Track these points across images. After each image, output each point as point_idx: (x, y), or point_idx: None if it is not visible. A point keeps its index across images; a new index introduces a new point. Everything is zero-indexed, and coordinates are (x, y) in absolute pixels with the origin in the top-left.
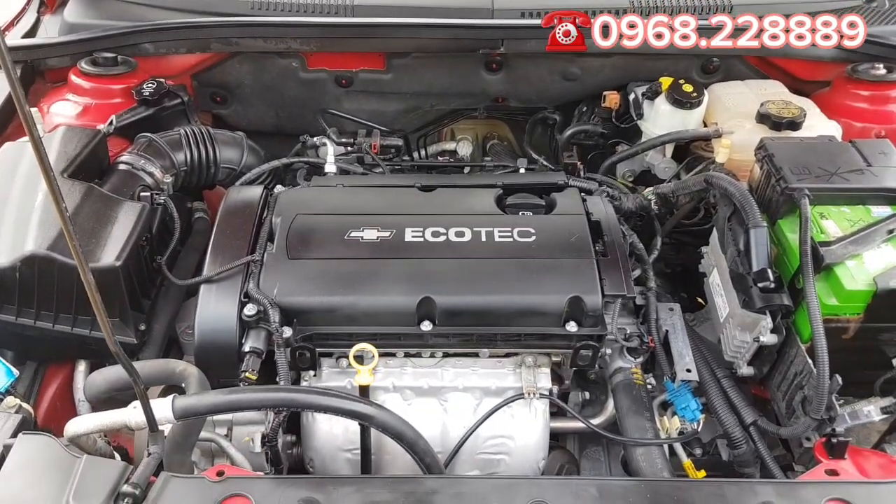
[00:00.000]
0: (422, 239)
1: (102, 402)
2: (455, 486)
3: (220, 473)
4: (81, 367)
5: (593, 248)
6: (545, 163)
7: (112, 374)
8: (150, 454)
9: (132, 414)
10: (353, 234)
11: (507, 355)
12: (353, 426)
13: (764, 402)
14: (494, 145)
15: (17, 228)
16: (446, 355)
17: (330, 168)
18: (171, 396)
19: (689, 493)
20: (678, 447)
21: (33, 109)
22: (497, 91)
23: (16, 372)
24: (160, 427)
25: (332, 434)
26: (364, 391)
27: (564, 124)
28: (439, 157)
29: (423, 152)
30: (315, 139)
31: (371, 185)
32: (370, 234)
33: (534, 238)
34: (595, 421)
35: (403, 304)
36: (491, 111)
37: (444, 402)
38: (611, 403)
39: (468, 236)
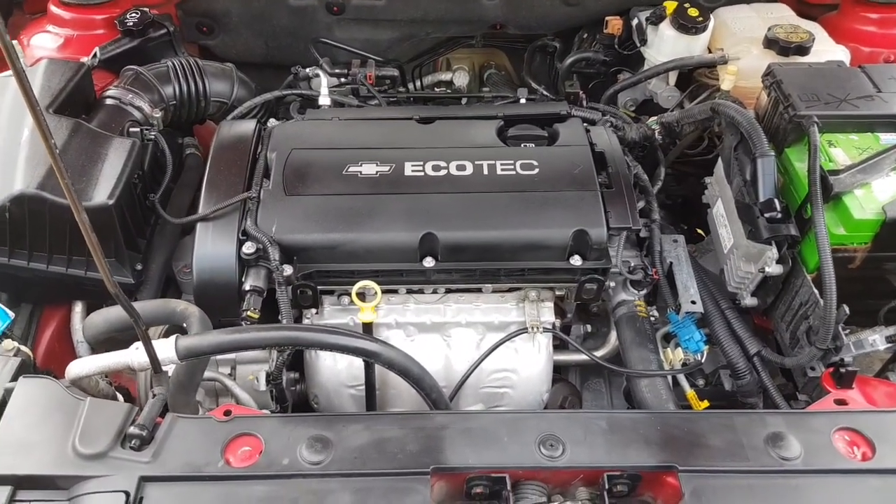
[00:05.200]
0: (422, 173)
1: (102, 342)
2: (465, 421)
3: (226, 413)
4: (78, 308)
5: (597, 180)
6: (545, 92)
7: (112, 314)
8: (154, 395)
9: (135, 355)
10: (351, 168)
11: (510, 290)
12: (357, 362)
13: (765, 333)
14: (492, 75)
15: (3, 167)
16: (448, 291)
17: (324, 100)
18: (173, 337)
19: (698, 424)
20: (681, 378)
21: (13, 42)
22: (495, 17)
23: (11, 314)
24: (164, 368)
25: (336, 370)
26: (367, 328)
27: (564, 52)
28: (436, 89)
29: (418, 83)
30: (308, 70)
31: (368, 118)
32: (369, 169)
33: (537, 171)
34: (598, 353)
35: (405, 240)
36: (488, 39)
37: (447, 338)
38: (613, 336)
39: (469, 170)
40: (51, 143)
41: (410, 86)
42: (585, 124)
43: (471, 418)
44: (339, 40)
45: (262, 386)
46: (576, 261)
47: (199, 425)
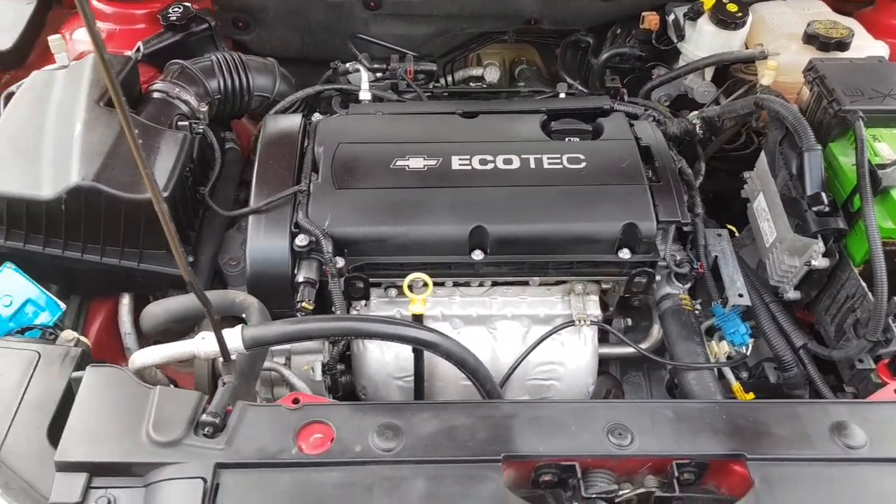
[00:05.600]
0: (469, 167)
1: (159, 333)
2: (532, 410)
3: (295, 401)
4: (126, 300)
5: (644, 173)
6: (581, 87)
7: (172, 305)
8: (224, 383)
9: (201, 344)
10: (398, 162)
11: (557, 283)
12: (405, 354)
13: (807, 326)
14: (524, 70)
15: (57, 160)
16: (495, 284)
17: (364, 95)
18: (239, 326)
19: (762, 413)
20: (727, 371)
21: (56, 36)
22: (531, 13)
23: (62, 306)
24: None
25: (384, 362)
26: (418, 320)
27: (597, 48)
28: (471, 83)
29: (449, 79)
30: (348, 65)
31: (411, 112)
32: (416, 163)
33: (584, 164)
34: (641, 347)
35: (455, 233)
36: (520, 35)
37: (492, 330)
38: (655, 329)
39: (516, 163)
40: (135, 139)
41: (441, 81)
42: (627, 119)
43: (538, 407)
44: (375, 36)
45: (318, 376)
46: (624, 254)
47: (270, 413)
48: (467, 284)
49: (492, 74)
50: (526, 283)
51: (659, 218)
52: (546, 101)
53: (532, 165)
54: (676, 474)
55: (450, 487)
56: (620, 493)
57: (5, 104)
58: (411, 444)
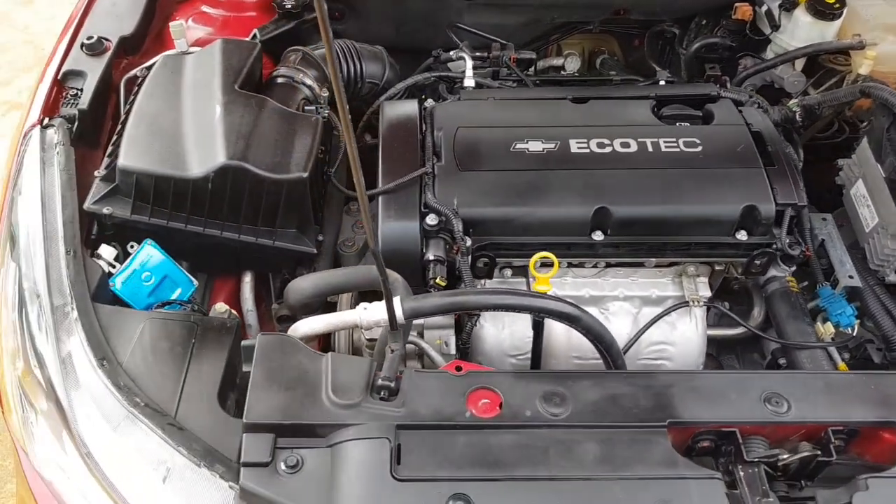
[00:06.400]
0: (588, 150)
1: (300, 308)
2: (690, 380)
3: (458, 368)
4: (248, 278)
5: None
6: (670, 76)
7: (319, 279)
8: (392, 350)
9: (364, 314)
10: (517, 146)
11: (671, 265)
12: (520, 332)
13: None
14: (606, 60)
15: (201, 141)
16: (608, 266)
17: (469, 82)
18: (397, 298)
19: None
20: (833, 351)
21: (178, 22)
22: (621, 2)
23: (195, 282)
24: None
25: (500, 339)
26: None
27: (682, 38)
28: (552, 73)
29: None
30: (451, 53)
31: (522, 98)
32: (535, 146)
33: (700, 148)
34: (741, 329)
35: (578, 214)
36: (605, 24)
37: (604, 311)
38: (756, 311)
39: (634, 147)
40: (350, 131)
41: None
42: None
43: (696, 377)
44: (469, 25)
45: (452, 349)
46: (742, 236)
47: (439, 378)
48: (580, 265)
49: (572, 64)
50: (639, 265)
51: (777, 200)
52: (650, 87)
53: (649, 149)
54: (833, 440)
55: (622, 451)
56: (782, 457)
57: (126, 88)
58: (578, 409)
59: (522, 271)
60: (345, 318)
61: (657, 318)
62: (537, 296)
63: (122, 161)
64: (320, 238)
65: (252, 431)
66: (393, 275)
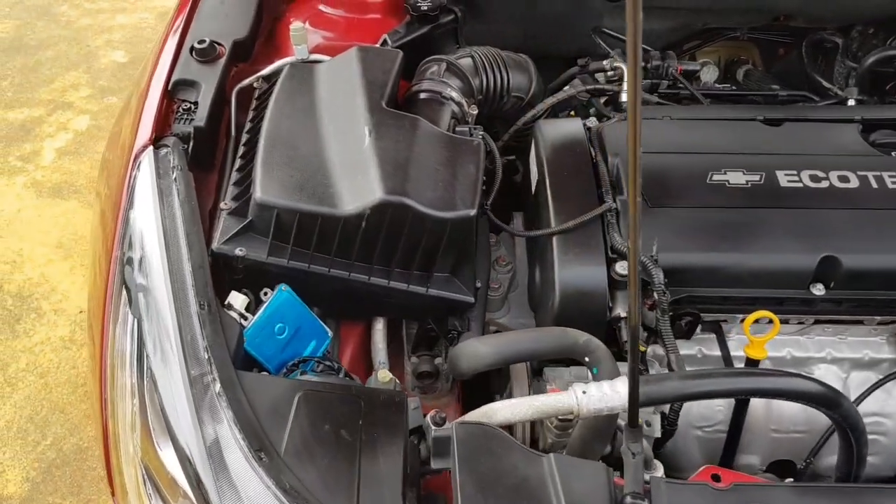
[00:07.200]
0: (800, 184)
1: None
2: None
3: (715, 477)
4: (379, 324)
5: None
6: (839, 92)
7: (502, 344)
8: (634, 455)
9: (582, 400)
10: (715, 177)
11: (881, 323)
12: (713, 402)
13: None
14: (751, 72)
15: (350, 171)
16: (817, 322)
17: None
18: (622, 378)
19: None
20: None
21: (299, 24)
22: (786, 8)
23: (330, 332)
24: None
25: (686, 407)
26: (754, 366)
27: (845, 49)
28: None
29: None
30: (605, 62)
31: (702, 118)
32: (736, 178)
33: None
34: None
35: (799, 263)
36: (751, 31)
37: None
38: None
39: (854, 181)
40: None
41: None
42: None
43: None
44: (609, 29)
45: (657, 430)
46: None
47: (701, 495)
48: (786, 322)
49: (708, 74)
50: (856, 323)
51: None
52: (846, 108)
53: (873, 184)
54: None
55: None
56: None
57: (237, 101)
58: None
59: (710, 326)
60: (555, 403)
61: (876, 385)
62: (796, 377)
63: (261, 195)
64: (478, 284)
65: None
66: (594, 342)
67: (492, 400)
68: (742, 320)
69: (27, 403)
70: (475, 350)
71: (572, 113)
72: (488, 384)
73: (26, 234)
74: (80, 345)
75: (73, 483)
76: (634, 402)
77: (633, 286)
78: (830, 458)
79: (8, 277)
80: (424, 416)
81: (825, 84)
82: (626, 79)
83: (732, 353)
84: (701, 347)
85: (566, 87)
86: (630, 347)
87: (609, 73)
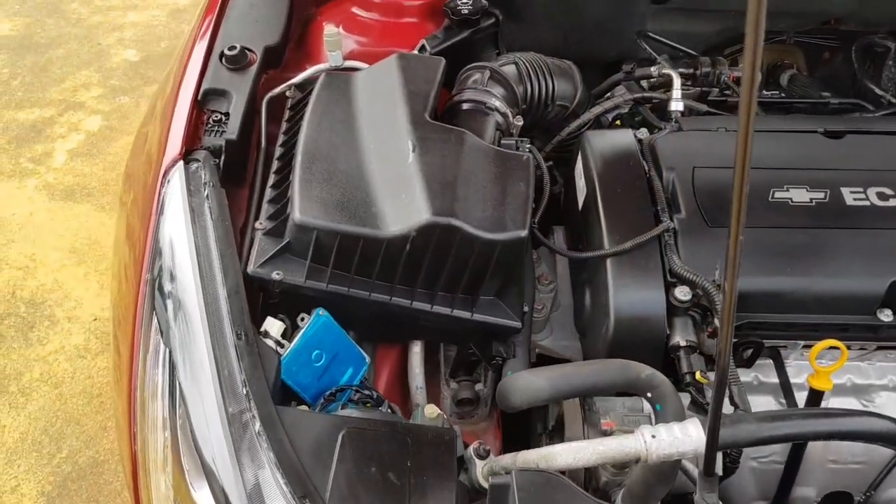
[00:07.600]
0: (867, 202)
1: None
2: None
3: None
4: (417, 348)
5: None
6: (892, 100)
7: (558, 378)
8: None
9: (651, 445)
10: (777, 194)
11: None
12: None
13: None
14: (796, 77)
15: (393, 189)
16: (879, 348)
17: (677, 106)
18: (693, 420)
19: None
20: None
21: (334, 30)
22: (841, 11)
23: (367, 359)
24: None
25: None
26: (814, 398)
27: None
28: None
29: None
30: (653, 69)
31: (760, 130)
32: (799, 195)
33: None
34: None
35: (867, 287)
36: (798, 34)
37: (867, 403)
38: None
39: None
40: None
41: None
42: None
43: None
44: (653, 33)
45: (719, 470)
46: None
47: None
48: (847, 348)
49: None
50: None
51: None
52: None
53: None
54: None
55: None
56: None
57: (267, 110)
58: None
59: (768, 351)
60: (622, 448)
61: None
62: (884, 419)
63: (300, 215)
64: (525, 309)
65: None
66: (658, 377)
67: (531, 427)
68: (803, 346)
69: (42, 415)
70: (529, 384)
71: (618, 122)
72: (528, 410)
73: (39, 239)
74: (95, 354)
75: (90, 497)
76: (712, 449)
77: (725, 324)
78: (891, 490)
79: (21, 283)
80: (466, 446)
81: (878, 91)
82: (675, 86)
83: (791, 380)
84: (758, 374)
85: (610, 95)
86: (714, 395)
87: (653, 80)
